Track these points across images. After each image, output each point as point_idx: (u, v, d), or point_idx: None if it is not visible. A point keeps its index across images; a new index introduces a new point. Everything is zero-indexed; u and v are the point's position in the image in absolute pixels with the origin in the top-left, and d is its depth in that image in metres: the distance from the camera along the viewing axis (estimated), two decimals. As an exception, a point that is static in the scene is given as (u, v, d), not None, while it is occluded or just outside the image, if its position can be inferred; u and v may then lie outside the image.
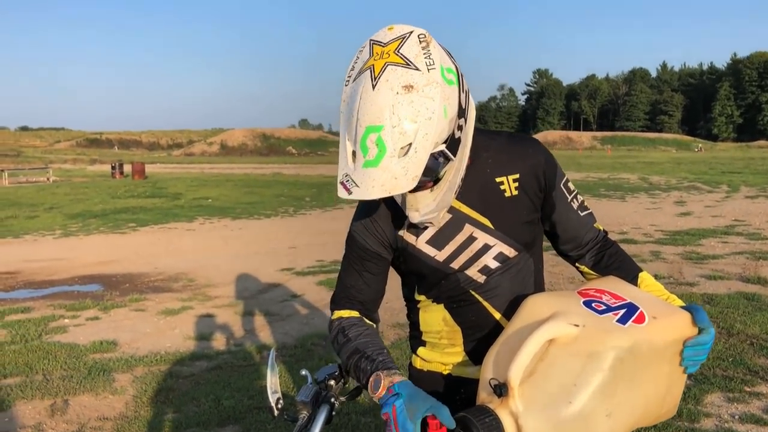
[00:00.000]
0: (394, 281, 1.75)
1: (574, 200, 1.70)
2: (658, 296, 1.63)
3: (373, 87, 1.30)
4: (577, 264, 1.76)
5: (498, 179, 1.62)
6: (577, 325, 1.41)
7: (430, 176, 1.42)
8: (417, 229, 1.61)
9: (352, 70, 1.38)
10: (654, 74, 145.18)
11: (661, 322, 1.46)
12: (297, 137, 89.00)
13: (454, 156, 1.42)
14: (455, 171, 1.47)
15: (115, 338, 5.75)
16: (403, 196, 1.46)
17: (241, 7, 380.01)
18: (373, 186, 1.31)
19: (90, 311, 6.74)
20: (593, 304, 1.49)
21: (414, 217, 1.47)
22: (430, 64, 1.32)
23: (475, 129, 1.55)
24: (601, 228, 1.76)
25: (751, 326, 5.50)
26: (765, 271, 7.79)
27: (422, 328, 1.74)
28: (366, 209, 1.67)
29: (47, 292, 7.74)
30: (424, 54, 1.34)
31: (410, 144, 1.30)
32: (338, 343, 1.63)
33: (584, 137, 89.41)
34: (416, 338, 1.77)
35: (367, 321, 1.68)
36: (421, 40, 1.35)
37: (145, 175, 31.05)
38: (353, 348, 1.57)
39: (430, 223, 1.53)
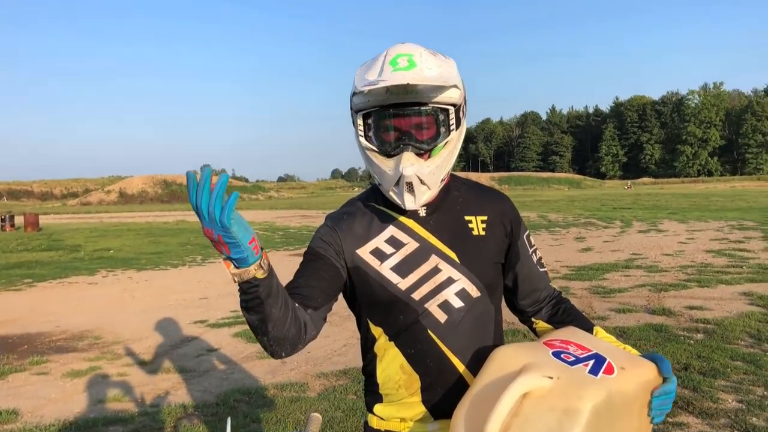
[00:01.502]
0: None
1: (534, 254, 1.76)
2: (616, 346, 1.66)
3: (402, 43, 1.55)
4: (533, 318, 1.78)
5: (467, 217, 1.66)
6: (551, 378, 1.40)
7: (430, 140, 1.54)
8: (381, 253, 1.62)
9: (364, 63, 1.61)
10: (544, 117, 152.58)
11: (630, 372, 1.48)
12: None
13: (456, 128, 1.56)
14: (449, 153, 1.57)
15: (15, 407, 5.30)
16: (397, 159, 1.53)
17: (135, 52, 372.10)
18: (404, 76, 1.45)
19: (-15, 378, 6.21)
20: (562, 355, 1.50)
21: (408, 169, 1.50)
22: (447, 57, 1.58)
23: None
24: (555, 287, 1.83)
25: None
26: (668, 302, 8.20)
27: (379, 379, 1.68)
28: (332, 223, 1.68)
29: (-66, 360, 7.08)
30: (436, 55, 1.57)
31: (435, 76, 1.49)
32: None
33: (483, 178, 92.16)
34: (373, 393, 1.71)
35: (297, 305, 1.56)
36: (430, 51, 1.57)
37: (39, 227, 29.34)
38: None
39: (412, 201, 1.54)
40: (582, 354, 1.51)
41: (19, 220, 30.66)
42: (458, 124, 1.56)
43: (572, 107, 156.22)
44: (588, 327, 1.71)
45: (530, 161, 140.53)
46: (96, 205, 70.08)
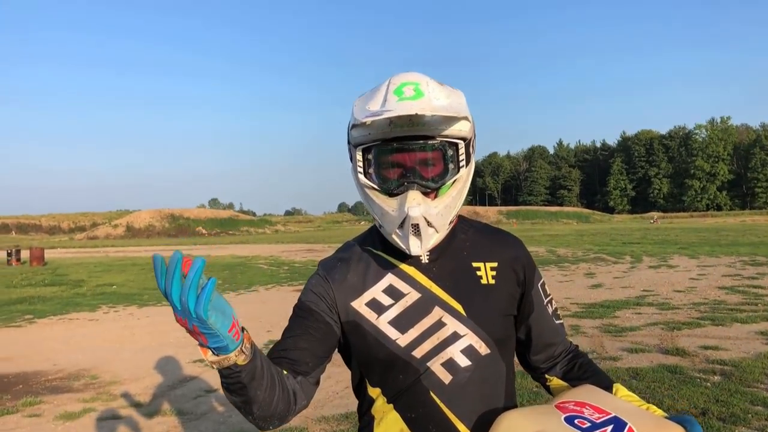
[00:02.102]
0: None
1: (549, 305, 1.58)
2: (638, 405, 1.47)
3: (406, 72, 1.42)
4: (546, 375, 1.60)
5: (475, 264, 1.48)
6: None
7: (438, 178, 1.38)
8: (379, 305, 1.43)
9: (368, 91, 1.47)
10: (552, 151, 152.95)
11: None
12: (207, 217, 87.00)
13: (466, 165, 1.41)
14: (457, 192, 1.41)
15: (4, 451, 5.11)
16: (401, 199, 1.38)
17: (145, 86, 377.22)
18: (410, 107, 1.31)
19: (-25, 420, 6.01)
20: (576, 421, 1.31)
21: (415, 210, 1.34)
22: (455, 89, 1.45)
23: None
24: (571, 341, 1.64)
25: (679, 401, 5.48)
26: (682, 341, 7.94)
27: None
28: (324, 272, 1.51)
29: (-75, 400, 6.88)
30: (444, 86, 1.44)
31: (443, 106, 1.37)
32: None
33: (490, 212, 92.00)
34: None
35: (285, 371, 1.41)
36: (437, 82, 1.44)
37: (44, 261, 29.31)
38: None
39: (418, 246, 1.38)
40: (599, 418, 1.33)
41: (25, 254, 30.63)
42: (468, 160, 1.41)
43: (579, 141, 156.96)
44: (606, 384, 1.52)
45: (538, 195, 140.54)
46: (103, 239, 70.24)
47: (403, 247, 1.38)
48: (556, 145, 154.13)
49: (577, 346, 1.66)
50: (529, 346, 1.58)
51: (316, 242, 45.66)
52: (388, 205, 1.38)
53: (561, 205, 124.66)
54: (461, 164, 1.38)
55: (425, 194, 1.37)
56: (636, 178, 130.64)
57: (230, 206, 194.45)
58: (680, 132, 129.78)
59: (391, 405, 1.45)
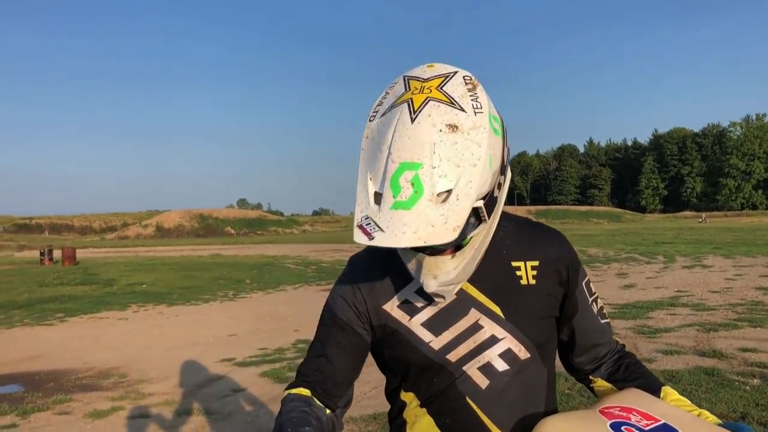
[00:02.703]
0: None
1: (594, 304, 1.46)
2: (689, 411, 1.37)
3: (412, 120, 1.10)
4: (591, 377, 1.49)
5: (515, 263, 1.37)
6: None
7: (458, 239, 1.17)
8: (411, 306, 1.34)
9: (380, 105, 1.18)
10: (582, 150, 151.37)
11: None
12: (235, 217, 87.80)
13: (489, 218, 1.19)
14: (483, 237, 1.24)
15: (34, 449, 5.12)
16: (417, 259, 1.22)
17: (172, 86, 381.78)
18: (403, 232, 1.07)
19: (6, 418, 6.04)
20: (623, 428, 1.21)
21: (429, 285, 1.21)
22: (478, 108, 1.13)
23: None
24: (618, 340, 1.53)
25: (717, 404, 5.32)
26: (719, 343, 7.72)
27: None
28: (353, 274, 1.41)
29: (-41, 397, 6.97)
30: (471, 96, 1.14)
31: (450, 191, 1.09)
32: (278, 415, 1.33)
33: (519, 211, 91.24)
34: None
35: (317, 402, 1.36)
36: (467, 81, 1.16)
37: (75, 260, 29.79)
38: (276, 426, 1.29)
39: (442, 298, 1.28)
40: (648, 425, 1.22)
41: (57, 253, 31.16)
42: (492, 206, 1.21)
43: (610, 140, 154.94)
44: (655, 387, 1.41)
45: (568, 194, 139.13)
46: (133, 239, 71.23)
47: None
48: (586, 144, 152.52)
49: (623, 345, 1.56)
50: (573, 348, 1.47)
51: (344, 242, 45.75)
52: (406, 257, 1.27)
53: (591, 204, 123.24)
54: (483, 219, 1.19)
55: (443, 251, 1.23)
56: (668, 176, 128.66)
57: (258, 206, 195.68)
58: (714, 130, 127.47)
59: (425, 409, 1.37)
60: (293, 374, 6.82)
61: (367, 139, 1.17)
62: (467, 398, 1.32)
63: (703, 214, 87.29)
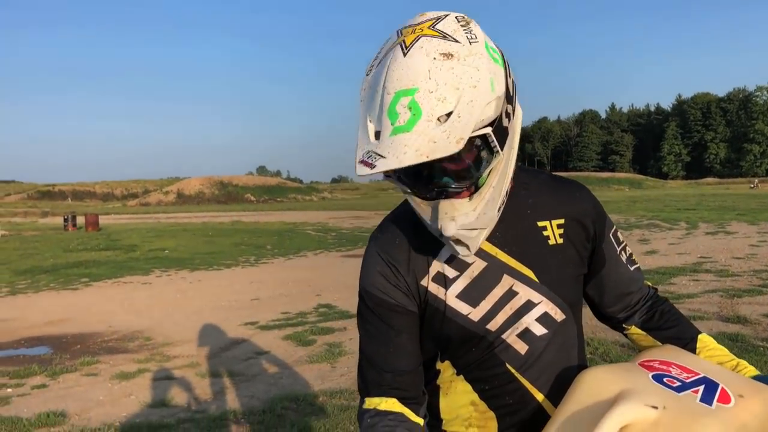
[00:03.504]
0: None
1: (623, 252, 1.43)
2: (727, 361, 1.35)
3: (405, 54, 1.07)
4: (624, 325, 1.46)
5: (540, 224, 1.33)
6: (656, 407, 1.12)
7: (470, 176, 1.13)
8: (444, 278, 1.29)
9: (376, 59, 1.14)
10: (603, 115, 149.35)
11: (750, 401, 1.17)
12: (255, 184, 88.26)
13: (501, 149, 1.13)
14: (500, 175, 1.18)
15: (63, 408, 5.23)
16: (433, 207, 1.16)
17: (194, 56, 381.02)
18: (405, 152, 1.03)
19: (36, 378, 6.18)
20: (665, 380, 1.20)
21: (449, 228, 1.15)
22: (473, 39, 1.10)
23: None
24: (650, 284, 1.49)
25: (742, 370, 5.29)
26: (742, 309, 7.65)
27: (443, 415, 1.39)
28: (388, 252, 1.33)
29: (-11, 358, 7.13)
30: (465, 30, 1.11)
31: (450, 113, 1.04)
32: None
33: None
34: (435, 428, 1.41)
35: (411, 416, 1.31)
36: (460, 20, 1.12)
37: (98, 226, 30.16)
38: None
39: (466, 248, 1.20)
40: (689, 378, 1.21)
41: (80, 220, 31.56)
42: (503, 136, 1.15)
43: (633, 105, 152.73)
44: (691, 335, 1.40)
45: (589, 161, 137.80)
46: (155, 206, 71.92)
47: (451, 251, 1.25)
48: (608, 110, 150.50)
49: (656, 290, 1.51)
50: (604, 298, 1.44)
51: (363, 209, 45.82)
52: (422, 210, 1.20)
53: (613, 171, 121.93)
54: (495, 149, 1.12)
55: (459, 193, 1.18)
56: (691, 142, 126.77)
57: (277, 174, 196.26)
58: (739, 94, 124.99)
59: (461, 377, 1.35)
60: (315, 337, 6.86)
61: (363, 90, 1.13)
62: (506, 365, 1.30)
63: (756, 180, 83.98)
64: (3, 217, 43.39)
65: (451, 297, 1.30)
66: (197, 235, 24.58)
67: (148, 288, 12.12)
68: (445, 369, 1.37)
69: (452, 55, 1.06)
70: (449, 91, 1.04)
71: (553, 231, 1.33)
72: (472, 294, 1.29)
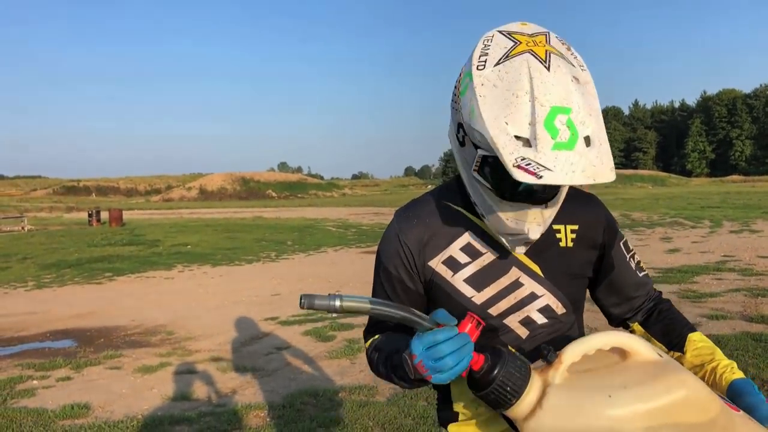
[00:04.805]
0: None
1: (632, 259, 1.54)
2: (708, 361, 1.42)
3: (547, 69, 1.14)
4: (629, 323, 1.58)
5: (555, 227, 1.44)
6: (661, 356, 1.23)
7: (559, 190, 1.29)
8: (455, 263, 1.41)
9: (485, 56, 1.19)
10: (627, 112, 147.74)
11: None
12: (276, 180, 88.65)
13: None
14: (566, 189, 1.33)
15: (87, 401, 5.32)
16: (518, 210, 1.27)
17: (214, 52, 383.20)
18: (573, 171, 1.11)
19: (61, 370, 6.29)
20: None
21: (535, 232, 1.27)
22: (582, 65, 1.21)
23: None
24: (656, 289, 1.61)
25: (765, 370, 5.23)
26: (766, 309, 7.56)
27: (454, 397, 1.48)
28: (404, 231, 1.45)
29: (15, 350, 7.26)
30: (572, 54, 1.21)
31: (589, 136, 1.14)
32: (374, 363, 1.44)
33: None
34: (447, 410, 1.50)
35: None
36: (562, 41, 1.23)
37: (122, 221, 30.50)
38: (384, 355, 1.39)
39: (525, 247, 1.35)
40: None
41: (104, 215, 31.94)
42: None
43: (656, 102, 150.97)
44: (680, 333, 1.49)
45: (612, 158, 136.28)
46: (177, 201, 72.56)
47: (507, 247, 1.36)
48: (631, 106, 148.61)
49: (660, 293, 1.62)
50: (611, 300, 1.56)
51: (383, 206, 45.83)
52: (500, 208, 1.28)
53: (636, 168, 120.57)
54: None
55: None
56: (716, 140, 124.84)
57: (298, 170, 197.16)
58: (766, 91, 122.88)
59: None
60: (335, 333, 6.92)
61: (484, 86, 1.16)
62: (509, 347, 1.40)
63: None
64: (29, 212, 44.04)
65: (458, 280, 1.41)
66: (219, 231, 24.77)
67: (171, 283, 12.25)
68: None
69: (579, 80, 1.17)
70: (586, 115, 1.14)
71: (565, 234, 1.45)
72: (479, 280, 1.40)
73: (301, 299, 1.09)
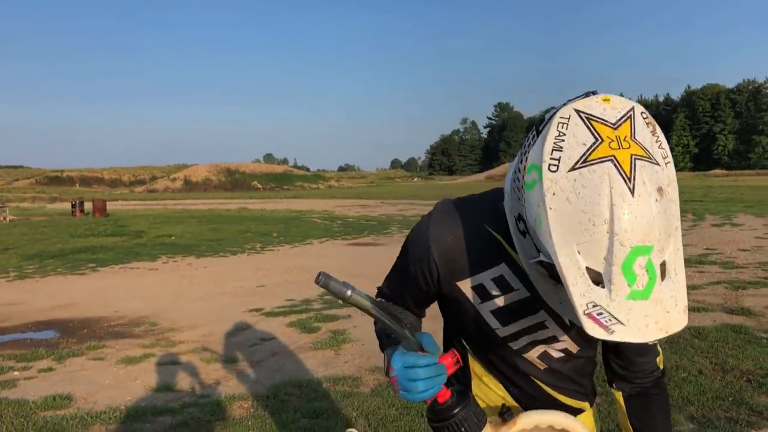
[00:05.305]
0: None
1: None
2: None
3: (632, 192, 0.96)
4: (614, 385, 1.51)
5: None
6: None
7: None
8: (485, 291, 1.37)
9: (559, 151, 1.02)
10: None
11: None
12: (262, 171, 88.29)
13: None
14: None
15: (70, 392, 5.29)
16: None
17: (200, 40, 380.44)
18: (647, 325, 0.97)
19: (43, 361, 6.25)
20: None
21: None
22: (665, 156, 1.03)
23: None
24: (662, 366, 1.50)
25: (744, 361, 5.30)
26: (747, 301, 7.66)
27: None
28: (437, 244, 1.36)
29: (-3, 342, 7.20)
30: (656, 141, 1.03)
31: (664, 263, 0.99)
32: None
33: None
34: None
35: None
36: (647, 120, 1.04)
37: (106, 212, 30.27)
38: (378, 327, 1.44)
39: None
40: None
41: (88, 205, 31.67)
42: None
43: (641, 96, 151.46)
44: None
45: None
46: (162, 192, 72.11)
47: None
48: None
49: (662, 374, 1.51)
50: (609, 354, 1.50)
51: (369, 198, 45.82)
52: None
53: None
54: None
55: None
56: (700, 134, 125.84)
57: (284, 161, 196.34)
58: (749, 86, 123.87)
59: (491, 376, 1.50)
60: (320, 324, 6.93)
61: (556, 196, 1.00)
62: (531, 377, 1.47)
63: None
64: (11, 203, 43.56)
65: (485, 309, 1.39)
66: (204, 222, 24.66)
67: (155, 274, 12.18)
68: (474, 363, 1.53)
69: (662, 190, 0.99)
70: (665, 239, 0.98)
71: None
72: (506, 315, 1.38)
73: (319, 275, 1.03)
